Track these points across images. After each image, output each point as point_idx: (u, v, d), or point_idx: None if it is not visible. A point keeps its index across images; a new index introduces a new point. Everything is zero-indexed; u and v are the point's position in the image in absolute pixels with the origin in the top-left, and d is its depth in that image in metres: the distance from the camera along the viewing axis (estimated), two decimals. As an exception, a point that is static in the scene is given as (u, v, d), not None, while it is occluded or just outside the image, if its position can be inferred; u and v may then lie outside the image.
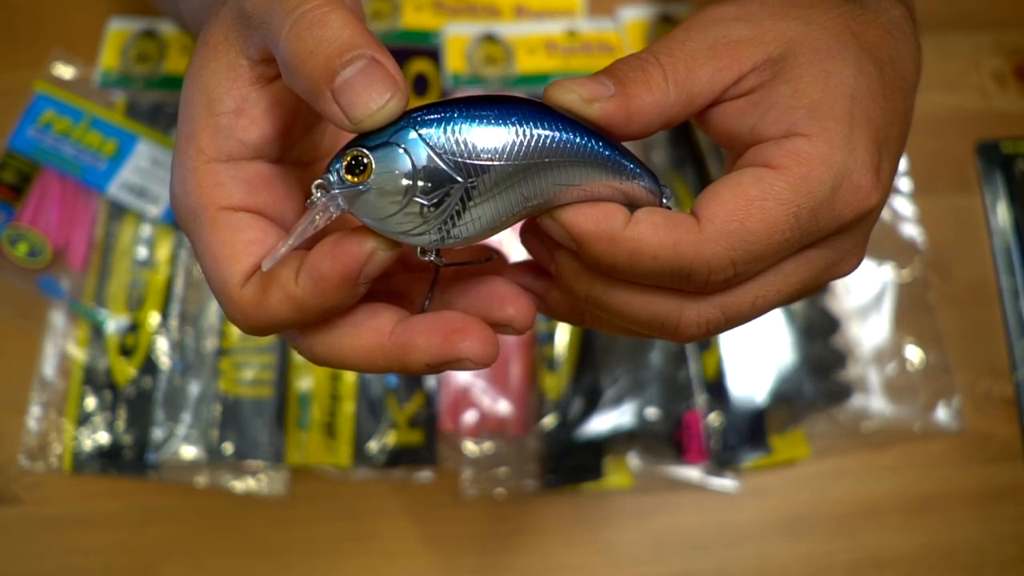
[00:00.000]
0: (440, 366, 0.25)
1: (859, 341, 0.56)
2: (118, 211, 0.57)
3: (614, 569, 0.52)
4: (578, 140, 0.24)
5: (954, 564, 0.52)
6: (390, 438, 0.53)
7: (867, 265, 0.58)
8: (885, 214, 0.59)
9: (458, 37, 0.61)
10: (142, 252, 0.56)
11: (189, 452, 0.52)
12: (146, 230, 0.56)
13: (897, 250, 0.58)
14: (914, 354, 0.56)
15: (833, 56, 0.26)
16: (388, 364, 0.26)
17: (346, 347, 0.26)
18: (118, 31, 0.61)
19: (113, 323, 0.54)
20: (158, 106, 0.59)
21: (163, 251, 0.56)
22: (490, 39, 0.61)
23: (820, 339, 0.55)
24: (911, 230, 0.59)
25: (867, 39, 0.27)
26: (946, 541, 0.53)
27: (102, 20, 0.61)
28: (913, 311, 0.57)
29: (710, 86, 0.26)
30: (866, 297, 0.57)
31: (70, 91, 0.58)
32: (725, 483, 0.53)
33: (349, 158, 0.24)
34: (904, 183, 0.60)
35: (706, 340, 0.28)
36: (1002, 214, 0.59)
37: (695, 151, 0.59)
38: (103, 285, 0.55)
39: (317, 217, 0.24)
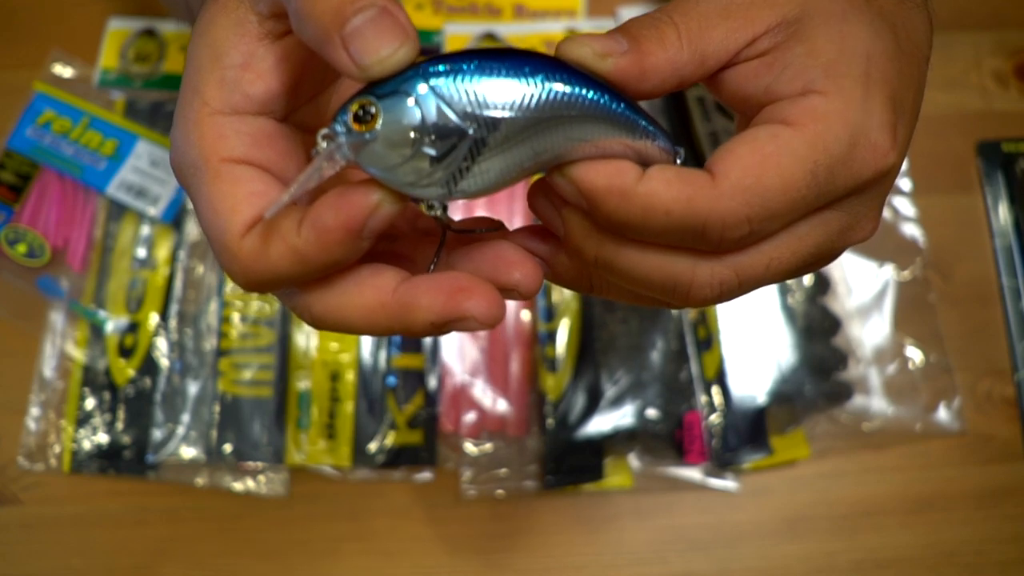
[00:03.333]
0: (444, 326, 0.25)
1: (860, 341, 0.56)
2: (117, 211, 0.56)
3: (614, 569, 0.52)
4: (591, 95, 0.24)
5: (954, 564, 0.52)
6: (390, 438, 0.53)
7: (868, 265, 0.58)
8: (886, 213, 0.59)
9: (458, 36, 0.61)
10: (141, 252, 0.56)
11: (188, 452, 0.52)
12: (145, 230, 0.56)
13: (898, 250, 0.58)
14: (915, 354, 0.56)
15: (848, 18, 0.25)
16: (390, 324, 0.25)
17: (346, 306, 0.25)
18: (117, 31, 0.61)
19: (112, 323, 0.54)
20: (157, 106, 0.59)
21: (162, 251, 0.56)
22: (490, 38, 0.61)
23: (821, 339, 0.55)
24: (912, 230, 0.58)
25: (881, 6, 0.27)
26: (946, 541, 0.52)
27: (101, 20, 0.61)
28: (914, 311, 0.57)
29: (724, 46, 0.25)
30: (867, 297, 0.57)
31: (69, 91, 0.58)
32: (726, 483, 0.53)
33: (356, 107, 0.23)
34: (905, 183, 0.60)
35: (718, 303, 0.27)
36: (1003, 214, 0.59)
37: (695, 150, 0.58)
38: (102, 285, 0.55)
39: (323, 165, 0.23)
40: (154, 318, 0.55)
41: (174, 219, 0.56)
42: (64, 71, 0.60)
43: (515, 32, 0.61)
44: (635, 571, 0.52)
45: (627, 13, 0.63)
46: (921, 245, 0.58)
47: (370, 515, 0.52)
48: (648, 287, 0.26)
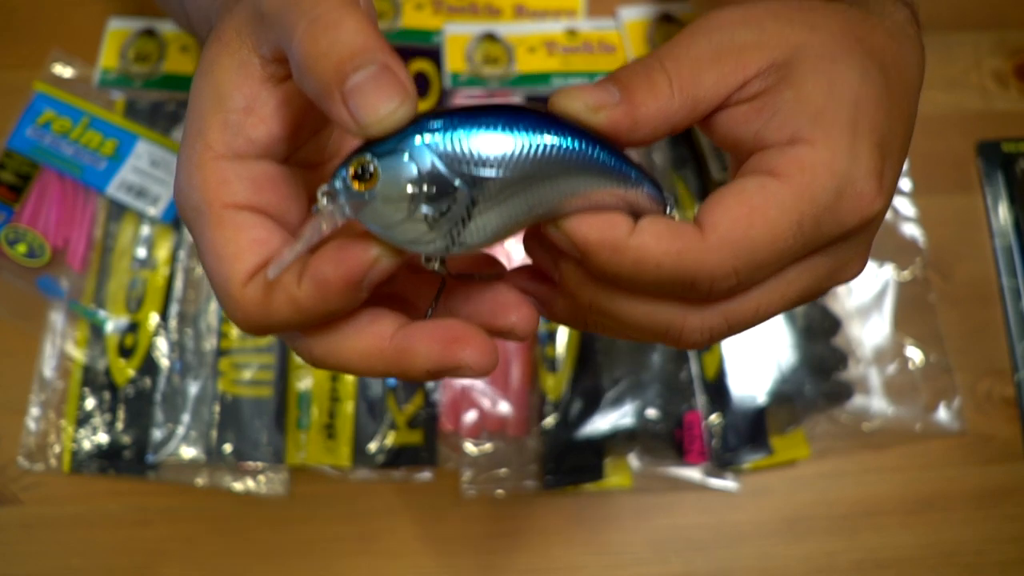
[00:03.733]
0: (440, 373, 0.25)
1: (860, 341, 0.56)
2: (117, 211, 0.56)
3: (614, 569, 0.52)
4: (583, 149, 0.24)
5: (954, 564, 0.52)
6: (390, 438, 0.53)
7: (868, 265, 0.58)
8: (886, 214, 0.59)
9: (458, 36, 0.61)
10: (141, 252, 0.56)
11: (188, 452, 0.52)
12: (145, 230, 0.56)
13: (898, 250, 0.58)
14: (915, 354, 0.56)
15: (838, 62, 0.25)
16: (387, 369, 0.26)
17: (345, 350, 0.26)
18: (117, 31, 0.61)
19: (112, 323, 0.54)
20: (157, 106, 0.59)
21: (162, 251, 0.56)
22: (490, 38, 0.61)
23: (821, 339, 0.55)
24: (912, 230, 0.59)
25: (872, 44, 0.27)
26: (946, 541, 0.52)
27: (101, 20, 0.61)
28: (914, 311, 0.57)
29: (715, 91, 0.26)
30: (867, 297, 0.57)
31: (69, 91, 0.58)
32: (726, 483, 0.53)
33: (355, 166, 0.23)
34: (905, 183, 0.60)
35: (709, 345, 0.28)
36: (1003, 214, 0.59)
37: (696, 151, 0.58)
38: (102, 285, 0.55)
39: (323, 225, 0.24)
40: (154, 318, 0.55)
41: (174, 219, 0.56)
42: (64, 71, 0.60)
43: (515, 32, 0.61)
44: (635, 571, 0.52)
45: (627, 13, 0.63)
46: (921, 245, 0.58)
47: (370, 515, 0.52)
48: (641, 332, 0.27)
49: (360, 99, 0.22)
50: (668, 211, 0.26)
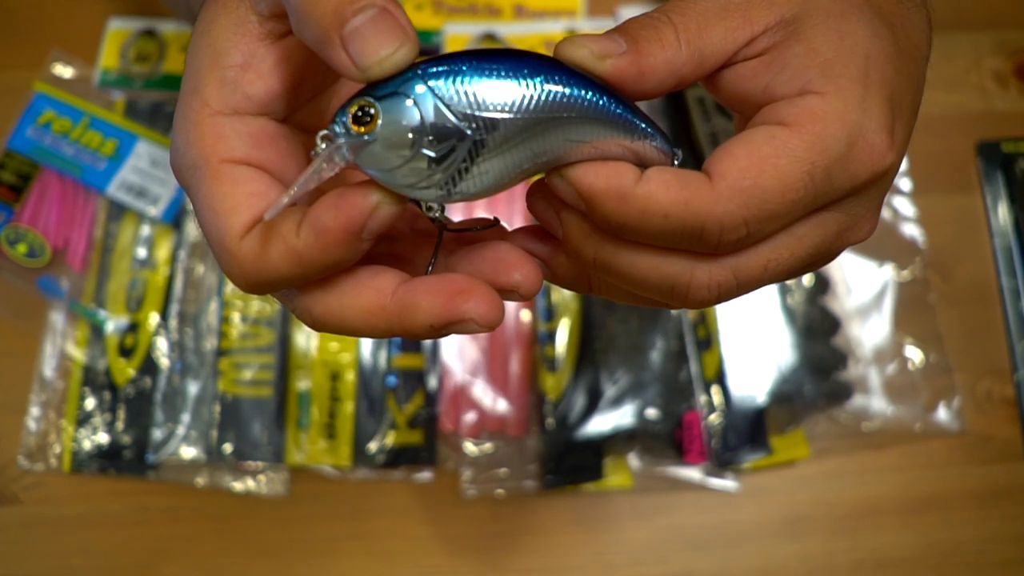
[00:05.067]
0: (443, 328, 0.25)
1: (859, 341, 0.56)
2: (117, 211, 0.56)
3: (614, 569, 0.52)
4: (590, 96, 0.24)
5: (954, 564, 0.52)
6: (390, 438, 0.53)
7: (867, 265, 0.58)
8: (886, 213, 0.59)
9: (458, 36, 0.61)
10: (141, 252, 0.56)
11: (188, 452, 0.52)
12: (145, 230, 0.56)
13: (898, 250, 0.58)
14: (915, 354, 0.56)
15: (847, 17, 0.25)
16: (389, 326, 0.25)
17: (346, 307, 0.25)
18: (117, 31, 0.61)
19: (112, 323, 0.54)
20: (157, 106, 0.59)
21: (163, 251, 0.56)
22: (490, 38, 0.61)
23: (820, 339, 0.55)
24: (912, 230, 0.59)
25: (879, 5, 0.26)
26: (946, 541, 0.52)
27: (102, 20, 0.61)
28: (913, 311, 0.57)
29: (722, 46, 0.25)
30: (866, 297, 0.57)
31: (69, 91, 0.58)
32: (725, 483, 0.53)
33: (355, 108, 0.23)
34: (904, 183, 0.60)
35: (716, 304, 0.27)
36: (1003, 214, 0.59)
37: (694, 149, 0.58)
38: (102, 285, 0.55)
39: (322, 167, 0.23)
40: (154, 318, 0.55)
41: (174, 219, 0.56)
42: (64, 71, 0.60)
43: (515, 32, 0.61)
44: (635, 571, 0.52)
45: (627, 13, 0.63)
46: (921, 245, 0.58)
47: (370, 515, 0.52)
48: (646, 288, 0.26)
49: (359, 42, 0.22)
50: (676, 164, 0.26)
